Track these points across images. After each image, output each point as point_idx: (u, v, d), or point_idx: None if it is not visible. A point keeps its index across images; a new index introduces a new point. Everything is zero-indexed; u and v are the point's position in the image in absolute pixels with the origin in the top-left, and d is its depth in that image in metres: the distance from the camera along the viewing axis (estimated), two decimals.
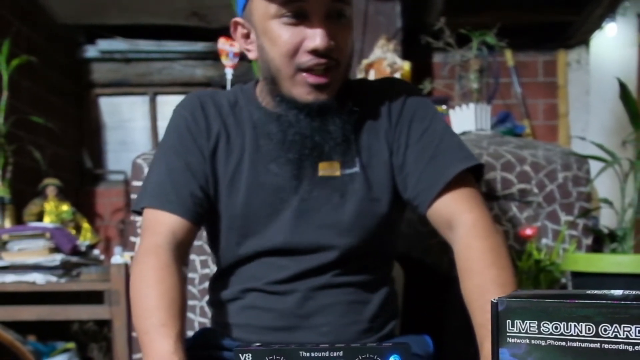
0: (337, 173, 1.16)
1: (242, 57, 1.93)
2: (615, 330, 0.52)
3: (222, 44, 1.90)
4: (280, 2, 1.06)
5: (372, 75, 2.37)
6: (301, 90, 1.11)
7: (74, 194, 3.80)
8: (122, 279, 2.13)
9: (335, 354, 0.90)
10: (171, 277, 1.06)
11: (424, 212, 1.15)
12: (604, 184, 2.17)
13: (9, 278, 2.17)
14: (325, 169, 1.15)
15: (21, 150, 2.92)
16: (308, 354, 0.90)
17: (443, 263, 1.67)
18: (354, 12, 1.20)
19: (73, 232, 2.59)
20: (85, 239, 2.65)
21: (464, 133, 2.00)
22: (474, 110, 2.05)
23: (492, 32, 2.11)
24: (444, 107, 2.13)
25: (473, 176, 1.17)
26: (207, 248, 1.67)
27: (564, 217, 1.73)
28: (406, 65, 2.39)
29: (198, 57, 4.09)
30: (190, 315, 1.67)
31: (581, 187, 1.74)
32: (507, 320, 0.57)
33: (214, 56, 3.61)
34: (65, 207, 2.72)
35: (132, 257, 1.71)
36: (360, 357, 0.90)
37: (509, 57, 3.72)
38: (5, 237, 2.22)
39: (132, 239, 1.70)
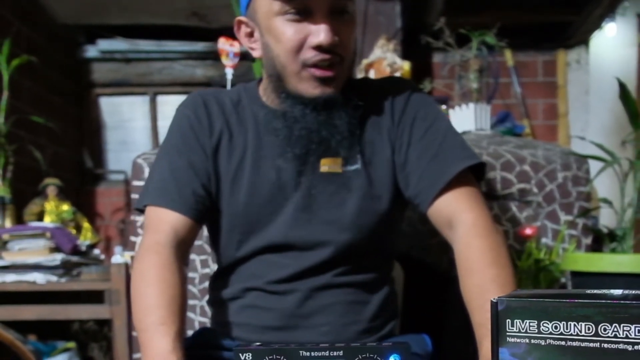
0: (339, 170, 1.16)
1: (242, 57, 1.93)
2: (615, 329, 0.52)
3: (222, 43, 1.90)
4: None
5: (371, 75, 2.37)
6: (308, 84, 1.11)
7: (75, 193, 3.79)
8: (123, 278, 2.14)
9: (335, 353, 0.90)
10: (172, 275, 1.06)
11: (425, 210, 1.15)
12: (604, 184, 2.17)
13: (10, 277, 2.17)
14: (327, 165, 1.16)
15: (22, 150, 2.91)
16: (308, 354, 0.90)
17: (443, 263, 1.67)
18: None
19: (73, 231, 2.59)
20: (85, 238, 2.65)
21: (463, 133, 2.00)
22: (473, 110, 2.06)
23: (492, 32, 2.11)
24: (443, 107, 2.13)
25: (475, 175, 1.18)
26: (208, 247, 1.68)
27: (563, 217, 1.73)
28: (406, 65, 2.40)
29: (198, 57, 4.09)
30: (190, 314, 1.68)
31: (581, 187, 1.74)
32: (507, 320, 0.57)
33: (214, 56, 3.61)
34: (65, 207, 2.72)
35: (132, 257, 1.71)
36: (360, 357, 0.90)
37: (508, 57, 3.72)
38: (5, 236, 2.22)
39: (133, 238, 1.70)
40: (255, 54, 1.19)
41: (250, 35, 1.18)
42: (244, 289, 1.19)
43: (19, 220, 2.61)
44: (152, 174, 1.21)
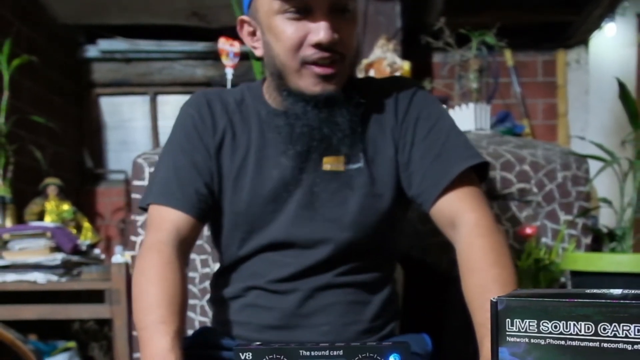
0: (342, 168, 1.16)
1: (242, 57, 1.94)
2: (615, 329, 0.52)
3: (223, 43, 1.90)
4: None
5: (372, 75, 2.37)
6: (308, 81, 1.11)
7: (75, 193, 3.79)
8: (123, 278, 2.14)
9: (335, 352, 0.90)
10: (173, 274, 1.07)
11: (428, 210, 1.15)
12: (603, 184, 2.17)
13: (10, 277, 2.18)
14: (329, 164, 1.16)
15: (22, 149, 2.91)
16: (308, 353, 0.90)
17: (443, 262, 1.67)
18: None
19: (74, 231, 2.59)
20: (86, 238, 2.65)
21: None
22: (473, 110, 2.06)
23: (492, 32, 2.11)
24: (443, 106, 2.13)
25: (479, 174, 1.18)
26: (208, 247, 1.68)
27: (563, 217, 1.74)
28: (406, 65, 2.40)
29: (198, 57, 4.09)
30: (190, 314, 1.68)
31: (580, 187, 1.74)
32: (507, 319, 0.57)
33: (214, 56, 3.61)
34: (66, 207, 2.72)
35: (132, 257, 1.72)
36: (360, 356, 0.90)
37: (508, 57, 3.72)
38: (6, 236, 2.22)
39: (133, 238, 1.70)
40: (258, 52, 1.19)
41: (253, 34, 1.19)
42: (246, 288, 1.19)
43: (19, 219, 2.61)
44: (155, 172, 1.21)
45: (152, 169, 1.65)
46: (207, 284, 1.68)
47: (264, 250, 1.18)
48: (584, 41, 3.77)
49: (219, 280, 1.26)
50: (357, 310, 1.18)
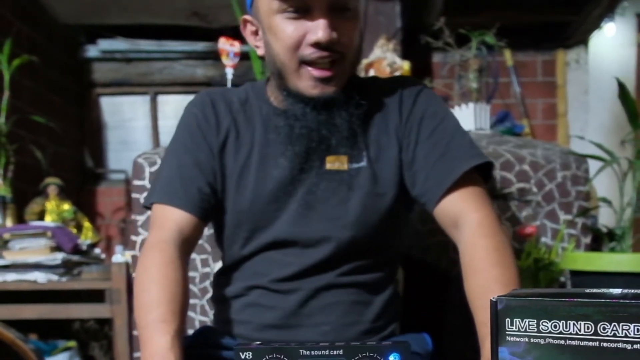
0: (345, 167, 1.16)
1: (242, 56, 1.94)
2: (614, 328, 0.52)
3: (223, 43, 1.91)
4: None
5: (371, 75, 2.37)
6: (306, 83, 1.12)
7: (75, 193, 3.79)
8: (123, 277, 2.14)
9: (335, 352, 0.90)
10: (175, 273, 1.07)
11: (432, 209, 1.15)
12: (603, 183, 2.17)
13: (11, 277, 2.18)
14: (332, 163, 1.16)
15: (22, 149, 2.91)
16: (308, 353, 0.90)
17: (443, 262, 1.68)
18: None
19: (74, 231, 2.59)
20: (86, 237, 2.65)
21: None
22: (473, 110, 2.06)
23: (492, 32, 2.11)
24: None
25: (482, 175, 1.18)
26: (208, 247, 1.68)
27: (562, 216, 1.74)
28: (406, 65, 2.40)
29: (199, 56, 4.09)
30: (190, 313, 1.68)
31: (580, 186, 1.75)
32: (507, 319, 0.57)
33: (214, 56, 3.61)
34: (66, 206, 2.72)
35: (133, 256, 1.72)
36: (360, 356, 0.90)
37: (508, 56, 3.72)
38: (6, 236, 2.22)
39: (133, 237, 1.70)
40: (260, 52, 1.19)
41: (255, 33, 1.19)
42: (248, 287, 1.20)
43: (19, 219, 2.61)
44: (159, 171, 1.22)
45: (152, 169, 1.65)
46: (207, 283, 1.68)
47: (266, 249, 1.18)
48: (583, 41, 3.77)
49: (221, 279, 1.26)
50: (359, 311, 1.18)
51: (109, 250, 3.76)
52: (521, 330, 0.56)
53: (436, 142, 1.16)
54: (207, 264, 1.69)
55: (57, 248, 2.24)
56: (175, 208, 1.14)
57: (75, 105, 4.09)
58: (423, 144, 1.17)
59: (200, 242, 1.67)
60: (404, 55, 2.76)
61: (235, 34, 1.91)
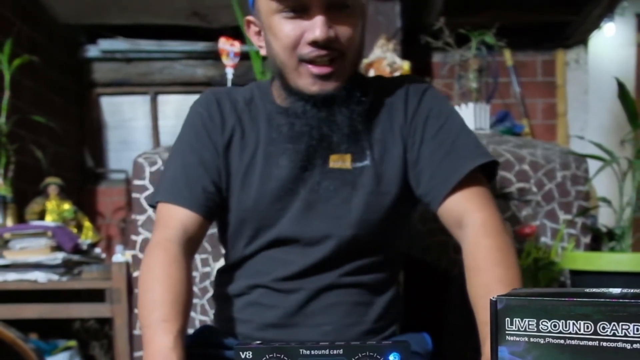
0: (348, 166, 1.16)
1: (242, 56, 1.94)
2: (614, 328, 0.52)
3: (223, 43, 1.91)
4: None
5: (371, 75, 2.37)
6: (306, 81, 1.12)
7: (76, 192, 3.79)
8: (124, 277, 2.14)
9: (335, 351, 0.90)
10: (178, 272, 1.07)
11: (436, 208, 1.15)
12: (603, 183, 2.18)
13: (11, 276, 2.18)
14: (336, 161, 1.16)
15: (23, 149, 2.92)
16: (308, 352, 0.90)
17: (443, 262, 1.68)
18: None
19: (74, 230, 2.60)
20: (86, 237, 2.66)
21: None
22: (473, 110, 2.06)
23: (491, 31, 2.11)
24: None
25: (487, 174, 1.18)
26: (209, 246, 1.68)
27: (562, 216, 1.74)
28: (405, 65, 2.40)
29: (199, 56, 4.09)
30: (190, 313, 1.68)
31: (580, 186, 1.75)
32: (506, 319, 0.57)
33: (214, 56, 3.61)
34: (66, 206, 2.72)
35: (133, 256, 1.72)
36: (360, 355, 0.90)
37: (507, 56, 3.72)
38: (7, 235, 2.22)
39: (134, 237, 1.71)
40: (263, 51, 1.20)
41: (259, 34, 1.20)
42: (250, 286, 1.20)
43: (20, 219, 2.61)
44: (165, 171, 1.22)
45: (152, 169, 1.65)
46: (207, 283, 1.68)
47: (269, 248, 1.18)
48: (583, 41, 3.77)
49: (223, 277, 1.26)
50: (361, 311, 1.18)
51: (109, 250, 3.77)
52: (521, 329, 0.56)
53: (441, 141, 1.16)
54: (207, 263, 1.70)
55: (57, 248, 2.24)
56: (180, 207, 1.14)
57: (75, 105, 4.08)
58: (428, 143, 1.17)
59: None
60: (404, 55, 2.76)
61: (235, 34, 1.92)
